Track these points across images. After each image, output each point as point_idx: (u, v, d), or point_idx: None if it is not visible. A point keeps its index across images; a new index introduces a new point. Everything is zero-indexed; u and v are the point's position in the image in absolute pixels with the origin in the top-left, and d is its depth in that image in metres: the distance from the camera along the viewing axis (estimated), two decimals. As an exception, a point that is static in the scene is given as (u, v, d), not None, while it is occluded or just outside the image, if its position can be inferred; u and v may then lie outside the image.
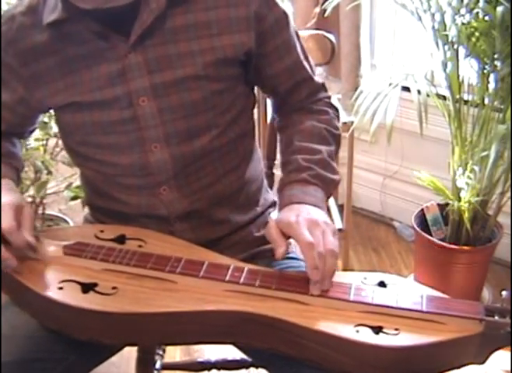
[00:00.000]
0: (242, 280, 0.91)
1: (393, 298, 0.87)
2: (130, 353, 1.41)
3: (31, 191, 1.95)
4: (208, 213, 1.09)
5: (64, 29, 0.99)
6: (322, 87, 1.15)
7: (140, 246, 1.01)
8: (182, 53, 0.99)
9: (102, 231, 1.05)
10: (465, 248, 1.91)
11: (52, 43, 1.00)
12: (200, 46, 0.99)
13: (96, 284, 0.92)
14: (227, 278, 0.91)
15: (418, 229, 1.98)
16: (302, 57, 1.10)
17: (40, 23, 1.00)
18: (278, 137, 1.16)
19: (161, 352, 1.52)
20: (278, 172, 1.52)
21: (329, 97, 1.17)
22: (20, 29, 1.02)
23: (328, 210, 2.32)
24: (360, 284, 0.91)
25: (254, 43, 1.02)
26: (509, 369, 1.74)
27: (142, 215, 1.08)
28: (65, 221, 2.14)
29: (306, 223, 0.92)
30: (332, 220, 2.26)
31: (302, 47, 1.11)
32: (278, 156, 1.14)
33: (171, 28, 0.99)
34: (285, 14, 1.06)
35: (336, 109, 1.16)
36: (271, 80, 1.10)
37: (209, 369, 1.50)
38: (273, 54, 1.06)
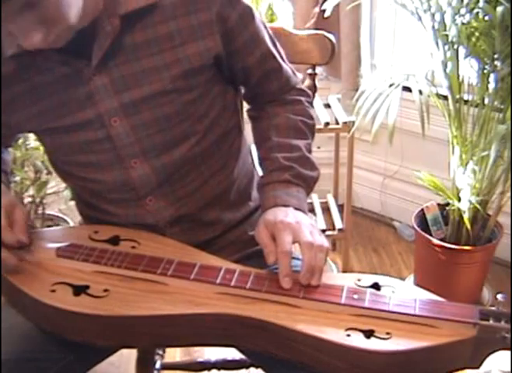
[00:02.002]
0: (233, 283, 0.90)
1: (386, 301, 0.87)
2: (130, 353, 1.41)
3: (31, 191, 1.95)
4: (198, 215, 1.09)
5: (25, 60, 0.97)
6: (292, 74, 1.14)
7: (133, 247, 1.00)
8: (147, 69, 0.97)
9: (96, 232, 1.05)
10: (465, 248, 1.90)
11: (17, 73, 0.99)
12: (164, 60, 0.97)
13: (87, 287, 0.92)
14: (218, 281, 0.91)
15: (418, 229, 1.97)
16: (271, 46, 1.08)
17: (3, 56, 0.98)
18: (252, 127, 1.16)
19: (161, 352, 1.52)
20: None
21: (299, 82, 1.16)
22: None
23: (328, 210, 2.34)
24: (353, 286, 0.91)
25: (221, 45, 1.00)
26: (509, 370, 1.74)
27: (132, 224, 1.08)
28: (65, 221, 2.14)
29: (293, 225, 0.93)
30: (332, 220, 2.27)
31: (270, 35, 1.09)
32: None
33: (132, 45, 0.96)
34: (249, 8, 1.03)
35: (308, 95, 1.16)
36: (241, 73, 1.09)
37: (209, 369, 1.51)
38: (242, 50, 1.04)
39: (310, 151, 1.09)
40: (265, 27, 1.09)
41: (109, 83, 0.97)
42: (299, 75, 1.17)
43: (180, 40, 0.97)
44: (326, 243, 0.93)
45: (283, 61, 1.12)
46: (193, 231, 1.09)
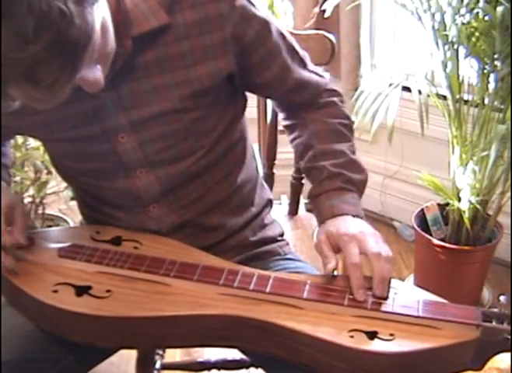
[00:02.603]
0: (236, 284, 0.90)
1: (388, 302, 0.87)
2: (130, 353, 1.41)
3: (31, 191, 1.95)
4: (201, 221, 1.08)
5: None
6: (320, 78, 1.11)
7: (136, 248, 1.00)
8: (157, 87, 0.95)
9: (98, 233, 1.05)
10: (465, 248, 1.90)
11: None
12: (175, 79, 0.95)
13: (90, 287, 0.92)
14: (221, 282, 0.91)
15: (418, 229, 1.97)
16: (288, 58, 1.05)
17: None
18: (290, 136, 1.13)
19: (161, 352, 1.52)
20: (278, 172, 1.54)
21: (329, 82, 1.13)
22: None
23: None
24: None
25: (235, 63, 0.97)
26: (509, 369, 1.74)
27: (133, 229, 1.07)
28: (65, 221, 2.14)
29: (358, 236, 0.92)
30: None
31: (288, 45, 1.05)
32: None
33: (143, 63, 0.94)
34: (265, 22, 0.99)
35: (339, 94, 1.13)
36: (262, 89, 1.08)
37: (209, 369, 1.51)
38: (259, 65, 1.02)
39: (354, 153, 1.07)
40: (284, 38, 1.05)
41: (117, 99, 0.95)
42: (327, 75, 1.15)
43: (193, 60, 0.95)
44: (390, 252, 0.91)
45: (307, 67, 1.09)
46: (195, 237, 1.08)
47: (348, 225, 0.94)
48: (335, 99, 1.12)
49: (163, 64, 0.95)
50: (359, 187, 1.04)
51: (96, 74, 0.82)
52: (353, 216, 0.97)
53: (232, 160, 1.09)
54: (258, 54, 1.00)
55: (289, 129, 1.14)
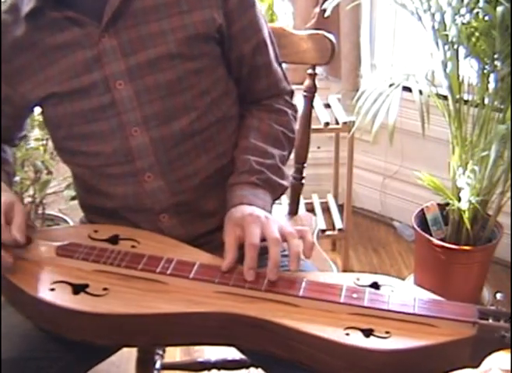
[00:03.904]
0: (232, 282, 0.90)
1: (385, 300, 0.87)
2: (130, 353, 1.41)
3: (31, 191, 1.95)
4: (197, 205, 1.09)
5: (40, 19, 1.01)
6: (283, 78, 1.17)
7: (133, 246, 1.00)
8: (154, 32, 1.00)
9: (96, 232, 1.05)
10: (465, 248, 1.90)
11: (30, 35, 1.02)
12: (171, 24, 1.00)
13: (87, 285, 0.92)
14: (217, 280, 0.91)
15: (418, 229, 1.97)
16: (267, 39, 1.11)
17: (20, 18, 1.02)
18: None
19: (161, 352, 1.52)
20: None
21: (290, 93, 1.19)
22: (3, 27, 1.04)
23: (328, 210, 2.34)
24: (352, 285, 0.91)
25: (224, 21, 1.03)
26: (509, 369, 1.73)
27: (129, 209, 1.09)
28: (65, 221, 2.14)
29: (262, 219, 0.95)
30: (332, 220, 2.27)
31: (269, 31, 1.12)
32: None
33: (141, 9, 1.00)
34: None
35: (295, 110, 1.19)
36: (235, 62, 1.11)
37: (209, 369, 1.51)
38: (240, 36, 1.07)
39: (283, 163, 1.12)
40: (266, 22, 1.11)
41: (117, 46, 1.00)
42: (292, 86, 1.20)
43: (188, 7, 1.01)
44: (294, 231, 0.94)
45: (277, 61, 1.14)
46: (191, 224, 1.09)
47: (254, 209, 0.98)
48: (289, 111, 1.17)
49: (160, 10, 1.00)
50: (276, 189, 1.08)
51: None
52: (260, 208, 1.00)
53: (226, 138, 1.11)
54: (241, 22, 1.06)
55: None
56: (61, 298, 0.90)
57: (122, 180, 1.08)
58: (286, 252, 1.11)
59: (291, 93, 1.20)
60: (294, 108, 1.19)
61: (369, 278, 0.93)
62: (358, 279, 0.92)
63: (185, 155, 1.06)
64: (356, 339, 0.81)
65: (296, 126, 1.19)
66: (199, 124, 1.06)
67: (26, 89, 1.05)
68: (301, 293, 0.88)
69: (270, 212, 1.02)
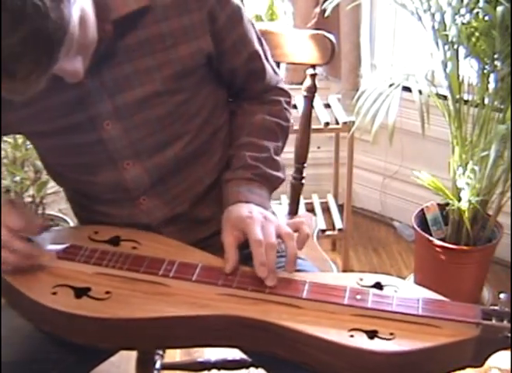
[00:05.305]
0: (235, 284, 0.90)
1: (389, 301, 0.87)
2: (130, 353, 1.41)
3: (31, 191, 1.95)
4: (193, 214, 1.09)
5: None
6: (273, 73, 1.15)
7: (134, 248, 1.00)
8: (139, 70, 0.96)
9: (96, 233, 1.04)
10: (465, 248, 1.90)
11: None
12: (156, 60, 0.96)
13: (89, 289, 0.91)
14: (220, 282, 0.90)
15: (418, 229, 1.97)
16: (257, 45, 1.09)
17: None
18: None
19: (161, 352, 1.52)
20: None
21: (281, 81, 1.18)
22: None
23: (328, 210, 2.34)
24: (356, 286, 0.90)
25: (212, 45, 1.00)
26: (509, 369, 1.74)
27: (126, 225, 1.07)
28: (65, 221, 2.13)
29: (261, 219, 0.94)
30: (332, 220, 2.26)
31: (257, 35, 1.10)
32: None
33: (124, 47, 0.95)
34: (237, 7, 1.03)
35: (288, 95, 1.17)
36: (228, 74, 1.09)
37: (209, 369, 1.51)
38: (231, 50, 1.05)
39: (278, 154, 1.11)
40: (253, 26, 1.09)
41: (100, 86, 0.96)
42: (281, 73, 1.20)
43: (173, 41, 0.97)
44: (292, 232, 0.93)
45: (267, 60, 1.13)
46: (188, 230, 1.08)
47: (252, 210, 0.97)
48: (282, 98, 1.16)
49: (143, 47, 0.96)
50: (272, 182, 1.08)
51: (75, 65, 0.84)
52: (257, 205, 0.99)
53: (218, 147, 1.10)
54: (231, 38, 1.04)
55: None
56: (63, 302, 0.90)
57: (116, 204, 1.07)
58: (284, 253, 1.11)
59: (281, 81, 1.19)
60: (287, 94, 1.17)
61: (372, 278, 0.93)
62: (361, 279, 0.92)
63: (179, 174, 1.05)
64: (361, 341, 0.81)
65: (296, 125, 1.18)
66: (192, 146, 1.04)
67: (10, 122, 1.00)
68: (305, 295, 0.88)
69: (268, 206, 1.02)
